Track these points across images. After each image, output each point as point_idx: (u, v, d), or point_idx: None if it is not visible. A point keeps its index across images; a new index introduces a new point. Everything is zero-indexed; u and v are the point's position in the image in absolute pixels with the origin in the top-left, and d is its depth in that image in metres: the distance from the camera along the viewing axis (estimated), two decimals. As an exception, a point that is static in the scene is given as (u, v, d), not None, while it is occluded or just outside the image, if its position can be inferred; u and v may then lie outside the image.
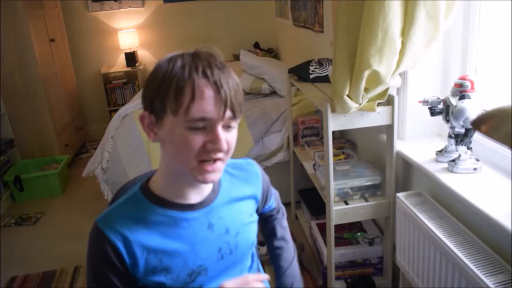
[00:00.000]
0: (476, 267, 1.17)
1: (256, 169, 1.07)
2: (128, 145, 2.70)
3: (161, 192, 0.89)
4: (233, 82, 0.82)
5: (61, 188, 3.39)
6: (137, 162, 2.65)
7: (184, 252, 0.87)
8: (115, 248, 0.83)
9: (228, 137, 0.83)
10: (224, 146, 0.81)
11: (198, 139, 0.80)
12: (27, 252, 2.66)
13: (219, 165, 0.84)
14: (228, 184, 0.98)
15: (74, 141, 4.14)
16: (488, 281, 1.12)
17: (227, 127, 0.83)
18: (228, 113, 0.80)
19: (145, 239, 0.85)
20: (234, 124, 0.84)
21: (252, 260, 1.08)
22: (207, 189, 0.93)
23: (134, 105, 2.99)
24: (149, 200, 0.88)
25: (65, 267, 2.44)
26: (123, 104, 3.76)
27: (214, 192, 0.94)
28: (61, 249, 2.64)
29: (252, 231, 1.01)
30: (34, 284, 2.34)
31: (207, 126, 0.80)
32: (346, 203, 1.82)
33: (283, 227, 1.20)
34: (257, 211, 1.08)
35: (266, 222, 1.19)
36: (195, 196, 0.91)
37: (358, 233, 2.09)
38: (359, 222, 2.16)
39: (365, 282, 1.97)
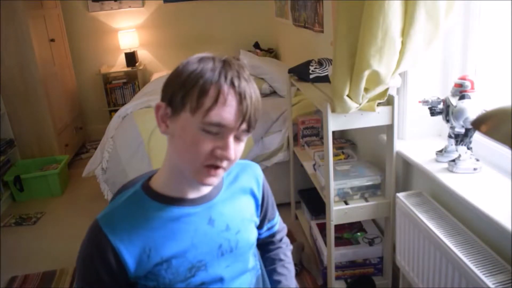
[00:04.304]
0: (476, 267, 1.17)
1: (258, 171, 1.07)
2: (128, 145, 2.70)
3: (162, 189, 0.90)
4: (256, 98, 0.83)
5: (61, 188, 3.39)
6: (137, 162, 2.65)
7: (185, 246, 0.88)
8: (114, 250, 0.83)
9: (237, 148, 0.84)
10: (232, 155, 0.82)
11: (208, 143, 0.81)
12: (27, 252, 2.66)
13: (221, 172, 0.85)
14: (230, 181, 1.00)
15: (74, 141, 4.14)
16: (488, 281, 1.12)
17: (237, 139, 0.84)
18: (244, 126, 0.82)
19: (146, 237, 0.86)
20: (244, 138, 0.86)
21: (255, 261, 1.07)
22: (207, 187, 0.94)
23: (134, 105, 2.98)
24: (149, 197, 0.89)
25: (65, 267, 2.44)
26: (123, 104, 3.76)
27: (216, 188, 0.96)
28: (61, 249, 2.64)
29: (252, 231, 1.01)
30: (34, 284, 2.34)
31: (220, 133, 0.81)
32: (346, 203, 1.82)
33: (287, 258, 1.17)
34: (259, 226, 1.08)
35: (267, 250, 1.17)
36: (196, 193, 0.92)
37: (358, 233, 2.09)
38: (359, 222, 2.16)
39: (365, 282, 1.97)
